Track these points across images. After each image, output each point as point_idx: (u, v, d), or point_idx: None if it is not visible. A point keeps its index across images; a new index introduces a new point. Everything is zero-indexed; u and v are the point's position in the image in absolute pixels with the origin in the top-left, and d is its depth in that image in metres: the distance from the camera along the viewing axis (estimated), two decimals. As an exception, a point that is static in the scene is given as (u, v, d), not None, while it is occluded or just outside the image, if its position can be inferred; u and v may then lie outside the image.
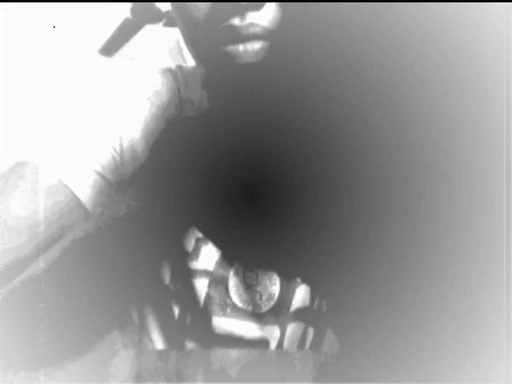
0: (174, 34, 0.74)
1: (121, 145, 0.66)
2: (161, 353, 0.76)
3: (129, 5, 0.80)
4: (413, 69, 0.77)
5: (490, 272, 0.76)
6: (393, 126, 0.77)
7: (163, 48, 0.73)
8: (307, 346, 0.78)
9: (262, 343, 0.77)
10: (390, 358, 0.76)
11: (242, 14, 0.66)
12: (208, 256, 0.76)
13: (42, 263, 0.70)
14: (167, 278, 0.76)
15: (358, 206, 0.77)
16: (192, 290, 0.76)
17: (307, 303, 0.77)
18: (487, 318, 0.76)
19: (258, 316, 0.76)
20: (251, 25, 0.66)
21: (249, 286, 0.76)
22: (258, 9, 0.66)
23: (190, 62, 0.73)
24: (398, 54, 0.77)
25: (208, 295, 0.76)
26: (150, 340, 0.76)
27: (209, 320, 0.76)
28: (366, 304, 0.77)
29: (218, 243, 0.75)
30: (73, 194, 0.65)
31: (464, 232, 0.76)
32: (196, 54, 0.72)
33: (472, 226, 0.76)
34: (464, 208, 0.77)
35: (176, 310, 0.76)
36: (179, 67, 0.73)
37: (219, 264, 0.76)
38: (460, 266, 0.76)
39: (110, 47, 0.75)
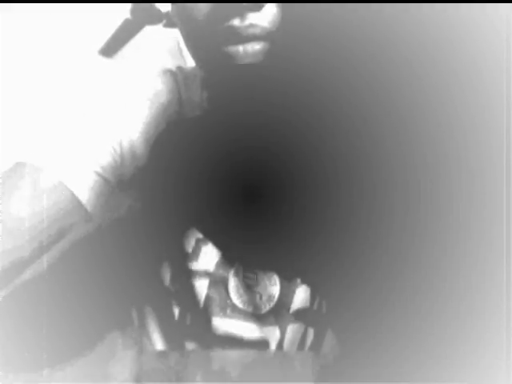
0: (174, 35, 0.74)
1: (121, 146, 0.66)
2: (161, 353, 0.76)
3: (129, 5, 0.80)
4: (413, 69, 0.77)
5: (489, 272, 0.76)
6: (393, 126, 0.77)
7: (163, 49, 0.73)
8: (307, 346, 0.78)
9: (262, 344, 0.76)
10: (390, 358, 0.76)
11: (242, 15, 0.66)
12: (208, 257, 0.76)
13: (42, 264, 0.70)
14: (167, 279, 0.76)
15: (357, 206, 0.77)
16: (192, 291, 0.76)
17: (307, 304, 0.77)
18: (487, 318, 0.76)
19: (257, 317, 0.76)
20: (251, 26, 0.66)
21: (249, 287, 0.76)
22: (258, 10, 0.66)
23: (190, 62, 0.73)
24: (399, 54, 0.77)
25: (208, 296, 0.76)
26: (150, 341, 0.76)
27: (209, 321, 0.76)
28: (366, 304, 0.77)
29: (218, 244, 0.75)
30: (73, 194, 0.65)
31: (464, 232, 0.76)
32: (196, 55, 0.72)
33: (472, 226, 0.76)
34: (464, 208, 0.77)
35: (176, 311, 0.76)
36: (179, 68, 0.72)
37: (219, 265, 0.76)
38: (460, 266, 0.76)
39: (110, 48, 0.75)
